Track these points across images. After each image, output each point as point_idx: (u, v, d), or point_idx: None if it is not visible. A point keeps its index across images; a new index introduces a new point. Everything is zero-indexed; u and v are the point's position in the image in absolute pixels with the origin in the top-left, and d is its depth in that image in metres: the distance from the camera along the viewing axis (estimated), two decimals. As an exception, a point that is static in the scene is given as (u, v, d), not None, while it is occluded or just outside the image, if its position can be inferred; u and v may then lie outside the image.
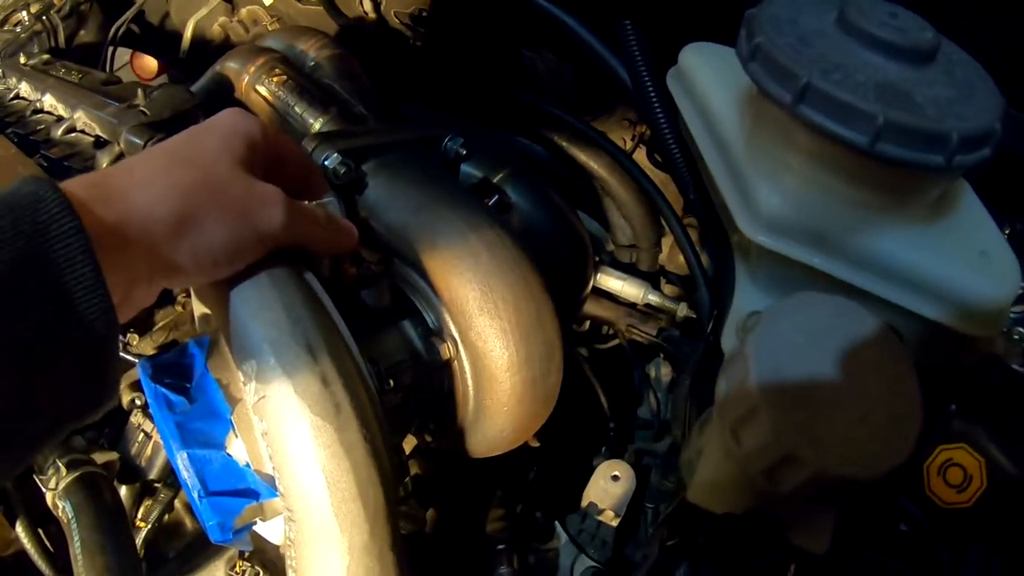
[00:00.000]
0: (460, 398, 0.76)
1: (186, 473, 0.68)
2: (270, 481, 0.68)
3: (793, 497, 0.51)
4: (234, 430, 0.68)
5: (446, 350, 0.74)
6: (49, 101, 1.08)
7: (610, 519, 0.89)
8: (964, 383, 0.65)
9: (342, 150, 0.78)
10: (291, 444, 0.62)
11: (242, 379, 0.65)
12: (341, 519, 0.63)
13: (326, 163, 0.78)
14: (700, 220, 0.79)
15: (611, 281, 1.00)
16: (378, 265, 0.78)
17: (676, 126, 0.79)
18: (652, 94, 0.79)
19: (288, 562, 0.72)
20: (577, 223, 0.93)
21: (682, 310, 0.98)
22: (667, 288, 1.05)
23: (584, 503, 0.90)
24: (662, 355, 1.03)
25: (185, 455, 0.68)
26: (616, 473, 0.90)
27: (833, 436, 0.47)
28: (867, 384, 0.50)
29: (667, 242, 1.04)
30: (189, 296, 0.95)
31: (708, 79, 0.73)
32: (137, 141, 0.87)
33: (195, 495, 0.69)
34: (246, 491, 0.70)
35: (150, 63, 1.61)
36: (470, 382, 0.74)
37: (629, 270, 1.02)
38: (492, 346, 0.72)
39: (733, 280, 0.72)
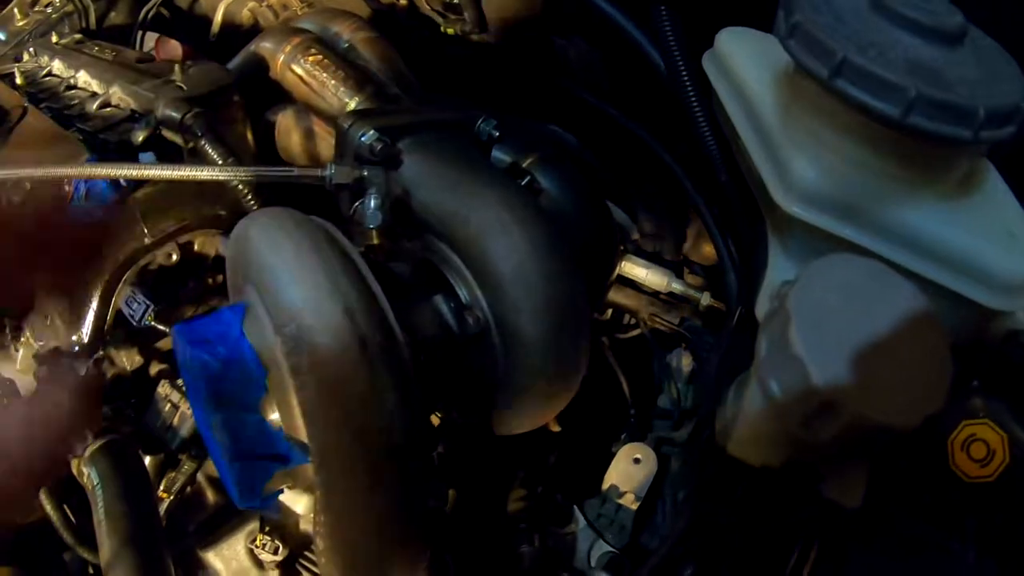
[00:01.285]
0: (489, 373, 0.76)
1: (218, 436, 0.69)
2: (302, 447, 0.68)
3: (830, 446, 0.52)
4: (268, 394, 0.69)
5: (477, 325, 0.74)
6: (83, 78, 1.10)
7: (630, 502, 0.90)
8: (987, 360, 0.66)
9: (378, 127, 0.79)
10: (327, 406, 0.62)
11: (278, 341, 0.65)
12: (374, 484, 0.64)
13: (363, 139, 0.79)
14: (731, 200, 0.81)
15: (635, 269, 1.01)
16: (412, 240, 0.79)
17: (708, 110, 0.81)
18: (686, 77, 0.81)
19: (316, 528, 0.72)
20: (605, 210, 0.94)
21: (705, 299, 0.99)
22: (690, 278, 1.05)
23: (605, 485, 0.91)
24: (683, 345, 1.03)
25: (219, 417, 0.68)
26: (638, 456, 0.90)
27: (870, 384, 0.50)
28: (900, 338, 0.52)
29: (691, 232, 1.05)
30: (218, 271, 0.96)
31: (745, 60, 0.75)
32: (175, 115, 0.88)
33: (226, 458, 0.69)
34: (277, 456, 0.70)
35: (175, 48, 1.62)
36: (500, 358, 0.75)
37: (653, 259, 1.03)
38: (523, 322, 0.73)
39: (764, 256, 0.73)
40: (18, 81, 1.12)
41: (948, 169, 0.67)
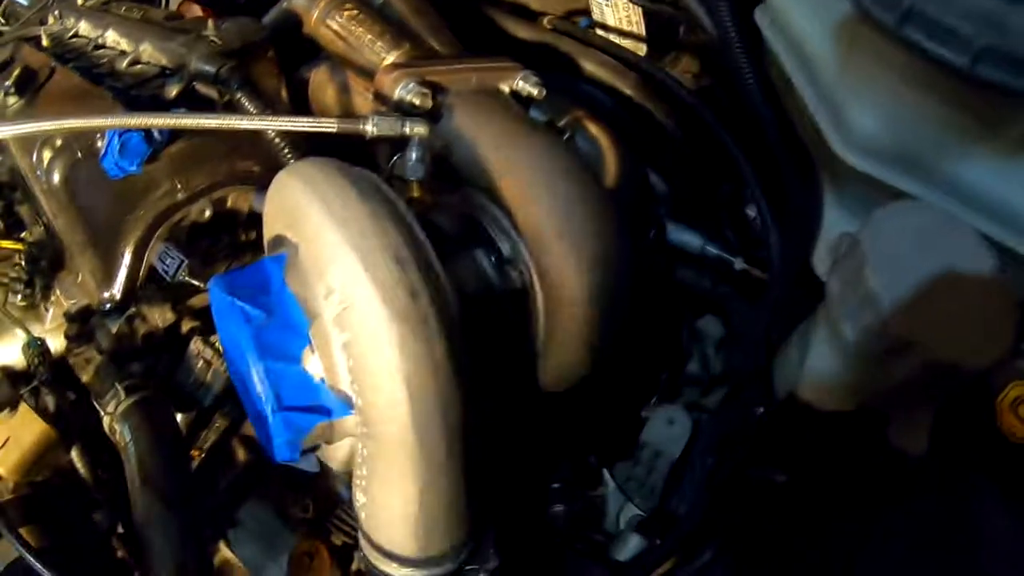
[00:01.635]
0: (531, 328, 0.76)
1: (260, 387, 0.68)
2: (345, 398, 0.68)
3: (901, 388, 0.52)
4: (311, 345, 0.68)
5: (519, 279, 0.74)
6: (111, 37, 1.08)
7: (662, 465, 0.89)
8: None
9: (420, 80, 0.78)
10: (375, 354, 0.62)
11: (323, 291, 0.65)
12: (420, 434, 0.63)
13: (404, 91, 0.78)
14: (780, 157, 0.80)
15: (670, 232, 1.00)
16: (451, 193, 0.79)
17: (758, 66, 0.80)
18: (734, 35, 0.80)
19: (357, 481, 0.72)
20: (641, 171, 0.93)
21: (739, 263, 0.98)
22: (725, 241, 1.04)
23: (639, 447, 0.90)
24: (714, 310, 1.02)
25: (261, 368, 0.68)
26: (672, 418, 0.90)
27: (943, 323, 0.51)
28: (969, 282, 0.54)
29: (727, 194, 1.04)
30: (252, 227, 0.95)
31: (800, 12, 0.75)
32: (209, 69, 0.87)
33: (268, 409, 0.69)
34: (319, 408, 0.70)
35: (198, 13, 1.60)
36: (542, 312, 0.74)
37: (688, 221, 1.02)
38: (567, 276, 0.72)
39: (813, 213, 0.73)
40: (44, 43, 1.11)
41: (1008, 124, 0.66)
